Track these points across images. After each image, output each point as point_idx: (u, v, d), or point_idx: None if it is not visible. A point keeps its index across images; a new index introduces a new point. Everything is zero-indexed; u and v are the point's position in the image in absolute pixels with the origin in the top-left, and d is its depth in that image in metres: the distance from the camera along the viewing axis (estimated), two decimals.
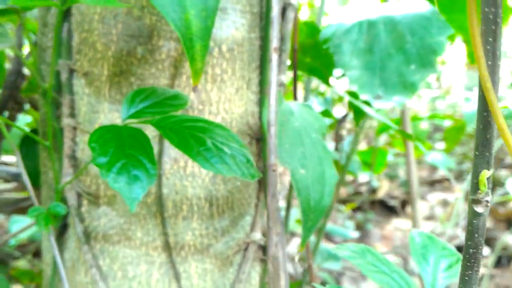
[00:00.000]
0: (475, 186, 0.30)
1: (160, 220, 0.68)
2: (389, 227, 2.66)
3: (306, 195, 0.56)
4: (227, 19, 0.65)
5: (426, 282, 0.54)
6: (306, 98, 1.13)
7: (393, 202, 2.88)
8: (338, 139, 1.01)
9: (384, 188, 3.07)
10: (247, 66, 0.69)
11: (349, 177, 3.09)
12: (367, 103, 1.02)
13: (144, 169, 0.50)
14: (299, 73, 1.08)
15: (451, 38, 1.30)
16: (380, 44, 0.75)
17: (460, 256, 0.59)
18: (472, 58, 1.27)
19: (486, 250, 2.23)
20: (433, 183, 3.23)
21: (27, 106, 1.03)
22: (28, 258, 1.61)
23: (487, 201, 0.30)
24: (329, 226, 1.76)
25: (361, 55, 0.76)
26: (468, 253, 0.32)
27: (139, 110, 0.57)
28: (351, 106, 0.99)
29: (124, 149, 0.51)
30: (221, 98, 0.67)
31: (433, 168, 3.34)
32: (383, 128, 2.24)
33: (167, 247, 0.68)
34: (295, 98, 0.88)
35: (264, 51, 0.71)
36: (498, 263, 2.18)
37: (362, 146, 3.47)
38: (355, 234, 1.86)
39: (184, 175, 0.67)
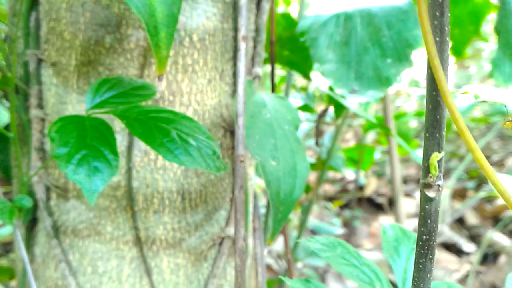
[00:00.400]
0: (426, 170, 0.29)
1: (130, 214, 0.66)
2: (376, 224, 2.66)
3: (276, 187, 0.55)
4: (197, 8, 0.64)
5: (397, 275, 0.53)
6: (287, 92, 1.12)
7: (380, 200, 2.88)
8: (318, 134, 1.00)
9: (371, 186, 3.07)
10: (220, 56, 0.67)
11: (337, 175, 3.09)
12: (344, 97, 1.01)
13: (105, 160, 0.49)
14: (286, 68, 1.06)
15: None
16: (356, 37, 0.74)
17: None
18: (456, 52, 1.26)
19: (472, 247, 2.23)
20: None
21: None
22: (12, 256, 1.59)
23: (438, 185, 0.29)
24: (314, 222, 1.75)
25: (337, 48, 0.75)
26: (421, 240, 0.31)
27: (104, 100, 0.55)
28: (331, 100, 0.97)
29: (86, 140, 0.50)
30: (193, 89, 0.65)
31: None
32: (371, 126, 2.23)
33: (138, 242, 0.67)
34: (273, 90, 0.86)
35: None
36: (485, 260, 2.18)
37: (351, 143, 3.46)
38: (340, 231, 1.85)
39: (155, 168, 0.66)
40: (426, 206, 0.30)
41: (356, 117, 3.18)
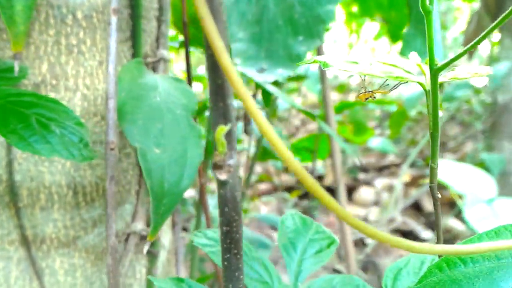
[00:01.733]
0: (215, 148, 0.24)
1: (14, 211, 0.60)
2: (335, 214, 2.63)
3: (159, 177, 0.50)
4: None
5: (290, 269, 0.48)
6: None
7: None
8: (246, 121, 0.95)
9: (331, 175, 3.05)
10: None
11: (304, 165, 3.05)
12: (277, 84, 0.96)
13: None
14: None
15: (371, 16, 1.24)
16: (268, 15, 0.69)
17: (336, 239, 0.54)
18: (394, 37, 1.22)
19: (429, 234, 2.23)
20: (381, 169, 3.23)
21: None
22: None
23: (229, 165, 0.24)
24: (261, 214, 1.71)
25: (248, 27, 0.70)
26: (223, 233, 0.26)
27: None
28: (258, 86, 0.92)
29: None
30: (80, 72, 0.59)
31: (382, 154, 3.34)
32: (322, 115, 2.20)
33: (25, 241, 0.61)
34: (189, 77, 0.81)
35: (136, 20, 0.63)
36: None
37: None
38: None
39: (40, 160, 0.59)
40: (221, 191, 0.24)
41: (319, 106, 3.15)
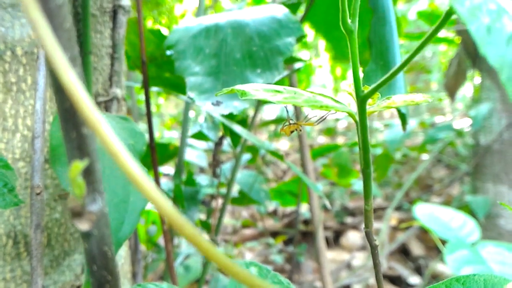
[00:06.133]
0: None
1: None
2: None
3: None
4: (21, 16, 0.54)
5: None
6: (185, 120, 1.03)
7: (326, 233, 2.80)
8: (215, 164, 0.90)
9: None
10: None
11: (287, 209, 2.99)
12: (244, 122, 0.93)
13: None
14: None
15: (346, 58, 1.22)
16: (226, 48, 0.66)
17: (291, 286, 0.49)
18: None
19: (417, 279, 2.16)
20: None
21: None
22: None
23: (91, 213, 0.19)
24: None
25: (205, 60, 0.67)
26: None
27: None
28: (226, 129, 0.89)
29: None
30: (20, 112, 0.55)
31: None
32: (313, 156, 2.17)
33: None
34: (148, 117, 0.77)
35: (84, 57, 0.60)
36: None
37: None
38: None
39: None
40: (86, 246, 0.19)
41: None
